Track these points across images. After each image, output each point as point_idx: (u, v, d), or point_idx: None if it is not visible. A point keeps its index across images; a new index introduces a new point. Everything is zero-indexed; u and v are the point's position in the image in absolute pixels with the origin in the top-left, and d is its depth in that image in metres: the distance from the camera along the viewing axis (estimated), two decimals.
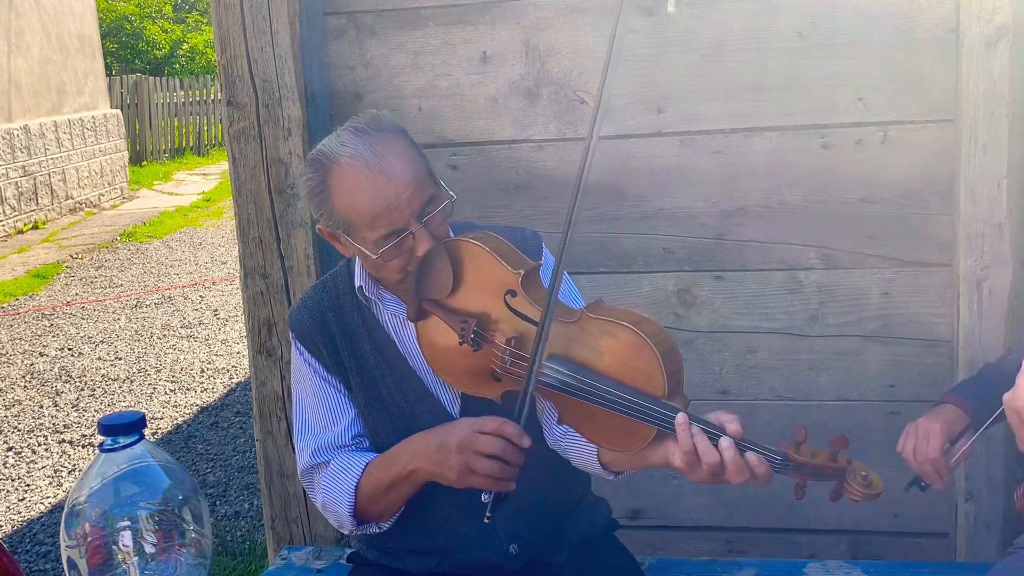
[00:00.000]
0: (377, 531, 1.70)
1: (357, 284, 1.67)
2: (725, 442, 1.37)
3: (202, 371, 5.52)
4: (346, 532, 1.72)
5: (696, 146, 2.27)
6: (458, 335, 1.54)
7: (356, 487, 1.63)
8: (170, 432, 4.68)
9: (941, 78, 2.15)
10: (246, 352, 3.06)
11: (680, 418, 1.37)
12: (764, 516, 2.40)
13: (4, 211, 9.68)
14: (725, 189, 2.28)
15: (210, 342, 6.07)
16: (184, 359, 5.74)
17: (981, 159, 2.10)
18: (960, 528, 2.24)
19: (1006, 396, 1.37)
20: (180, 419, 4.84)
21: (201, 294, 7.30)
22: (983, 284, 2.13)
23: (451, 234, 1.62)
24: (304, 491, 2.42)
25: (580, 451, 1.61)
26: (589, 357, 1.46)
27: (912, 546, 2.34)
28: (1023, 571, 1.61)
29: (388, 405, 1.68)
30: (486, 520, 1.50)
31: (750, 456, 1.38)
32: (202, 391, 5.22)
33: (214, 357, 5.76)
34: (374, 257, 1.55)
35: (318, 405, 1.70)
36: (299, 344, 1.71)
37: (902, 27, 2.15)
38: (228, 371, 5.51)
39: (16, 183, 9.85)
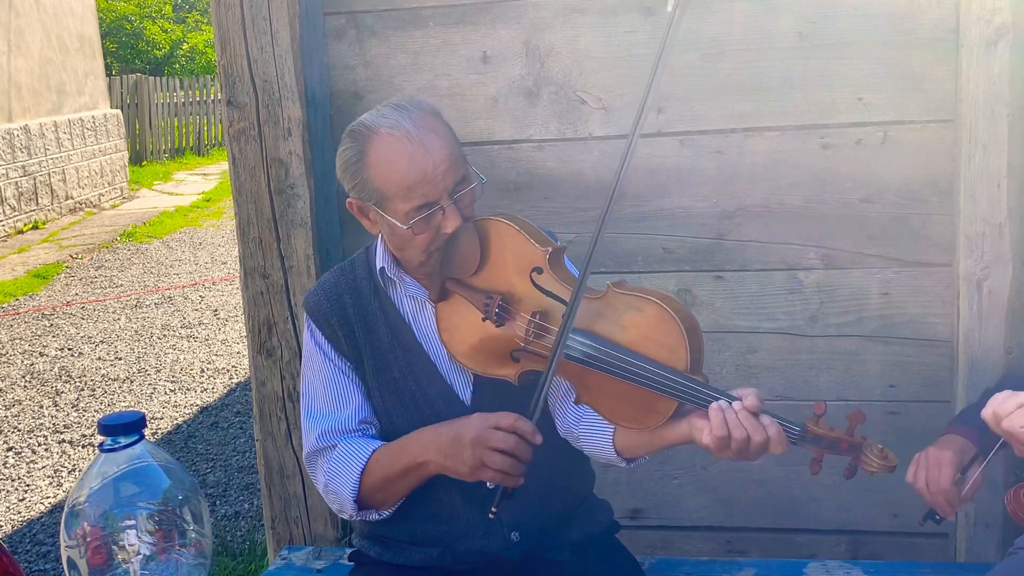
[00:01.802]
0: (377, 518, 1.71)
1: (379, 266, 1.70)
2: (750, 400, 1.41)
3: (202, 371, 5.52)
4: (345, 516, 1.73)
5: (696, 146, 2.27)
6: (481, 312, 1.57)
7: (362, 473, 1.64)
8: (170, 432, 4.68)
9: (941, 78, 2.15)
10: (246, 352, 3.06)
11: (715, 404, 1.41)
12: (764, 516, 2.39)
13: (4, 211, 9.68)
14: (725, 189, 2.28)
15: (210, 342, 6.07)
16: (184, 359, 5.74)
17: (981, 159, 2.10)
18: (960, 528, 2.24)
19: (984, 414, 1.40)
20: (180, 419, 4.84)
21: (201, 294, 7.30)
22: (983, 284, 2.13)
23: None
24: (304, 491, 2.42)
25: (594, 436, 1.63)
26: (613, 331, 1.49)
27: (912, 546, 2.34)
28: (1023, 572, 1.61)
29: (400, 388, 1.69)
30: (491, 515, 1.52)
31: (763, 418, 1.41)
32: (202, 391, 5.22)
33: (214, 357, 5.76)
34: (404, 228, 1.58)
35: (325, 389, 1.72)
36: (313, 326, 1.73)
37: (902, 27, 2.15)
38: (228, 371, 5.51)
39: (16, 183, 9.85)
